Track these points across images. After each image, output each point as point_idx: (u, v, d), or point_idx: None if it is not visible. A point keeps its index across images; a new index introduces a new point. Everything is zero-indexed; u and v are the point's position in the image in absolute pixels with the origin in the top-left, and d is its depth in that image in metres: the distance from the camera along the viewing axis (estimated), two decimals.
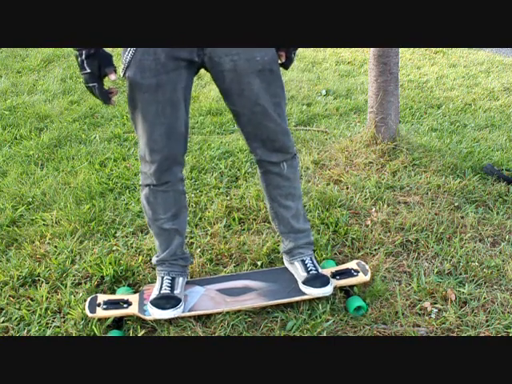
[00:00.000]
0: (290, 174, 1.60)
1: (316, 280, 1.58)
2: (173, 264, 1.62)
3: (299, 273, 1.64)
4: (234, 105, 1.45)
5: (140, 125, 1.41)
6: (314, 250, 1.88)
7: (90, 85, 1.30)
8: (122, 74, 1.39)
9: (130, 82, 1.36)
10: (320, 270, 1.64)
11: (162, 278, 1.61)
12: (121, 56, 1.39)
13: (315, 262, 1.68)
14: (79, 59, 1.28)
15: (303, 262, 1.67)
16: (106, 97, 1.31)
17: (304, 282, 1.60)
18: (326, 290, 1.57)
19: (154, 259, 1.64)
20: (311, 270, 1.63)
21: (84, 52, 1.26)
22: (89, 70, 1.27)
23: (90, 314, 1.51)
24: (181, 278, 1.62)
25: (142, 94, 1.36)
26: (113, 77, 1.30)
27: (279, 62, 1.47)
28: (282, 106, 1.49)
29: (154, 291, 1.59)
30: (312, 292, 1.57)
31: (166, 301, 1.51)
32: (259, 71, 1.39)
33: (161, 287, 1.58)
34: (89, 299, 1.58)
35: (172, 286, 1.58)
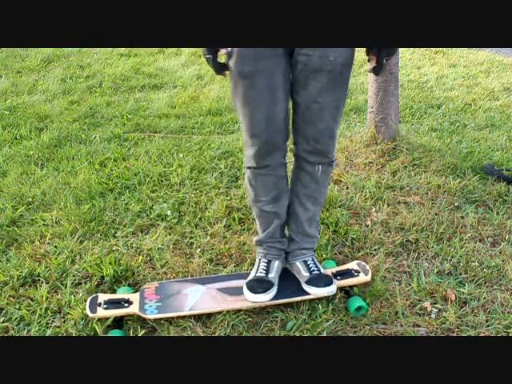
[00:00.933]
0: (321, 179, 1.61)
1: (319, 280, 1.59)
2: (270, 247, 1.67)
3: (301, 273, 1.65)
4: (296, 93, 1.48)
5: (241, 110, 1.49)
6: (315, 251, 1.88)
7: (207, 56, 1.43)
8: (226, 62, 1.47)
9: (231, 69, 1.45)
10: (322, 271, 1.64)
11: (260, 260, 1.68)
12: None
13: (317, 262, 1.68)
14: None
15: (305, 262, 1.67)
16: (218, 68, 1.45)
17: (307, 282, 1.60)
18: (331, 289, 1.57)
19: (254, 239, 1.71)
20: (313, 270, 1.63)
21: None
22: None
23: (90, 315, 1.51)
24: (277, 262, 1.67)
25: (242, 80, 1.43)
26: (223, 50, 1.41)
27: (370, 66, 1.47)
28: (341, 110, 1.50)
29: (251, 273, 1.66)
30: (316, 292, 1.58)
31: (260, 284, 1.57)
32: (329, 71, 1.41)
33: (257, 269, 1.65)
34: (89, 299, 1.58)
35: (267, 269, 1.64)
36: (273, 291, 1.57)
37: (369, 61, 1.48)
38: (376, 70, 1.47)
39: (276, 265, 1.66)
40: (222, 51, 1.42)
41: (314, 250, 1.73)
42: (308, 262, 1.67)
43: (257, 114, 1.46)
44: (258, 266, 1.66)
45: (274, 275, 1.63)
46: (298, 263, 1.68)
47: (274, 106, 1.45)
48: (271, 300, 1.57)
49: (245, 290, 1.59)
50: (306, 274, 1.63)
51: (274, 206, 1.63)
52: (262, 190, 1.61)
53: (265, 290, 1.55)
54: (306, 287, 1.60)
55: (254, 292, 1.55)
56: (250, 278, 1.63)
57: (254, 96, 1.44)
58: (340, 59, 1.41)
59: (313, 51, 1.40)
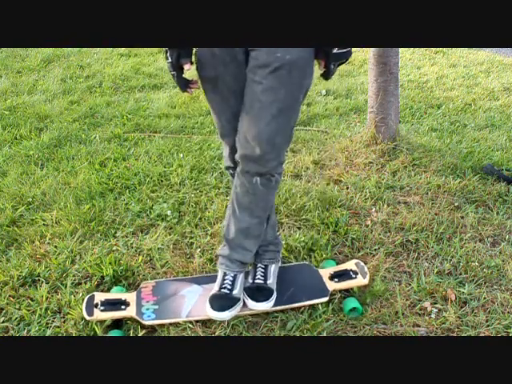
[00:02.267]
0: (259, 192, 1.46)
1: (216, 300, 1.52)
2: (265, 251, 1.67)
3: (215, 286, 1.59)
4: (245, 92, 1.40)
5: (211, 111, 1.51)
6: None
7: (172, 73, 1.41)
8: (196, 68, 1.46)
9: (197, 75, 1.46)
10: (234, 292, 1.55)
11: (256, 265, 1.68)
12: None
13: (237, 282, 1.57)
14: (164, 50, 1.38)
15: (224, 274, 1.59)
16: (182, 85, 1.43)
17: (210, 299, 1.53)
18: (220, 315, 1.49)
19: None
20: (223, 288, 1.55)
21: None
22: (169, 60, 1.38)
23: (87, 317, 1.50)
24: (273, 266, 1.67)
25: (205, 85, 1.46)
26: (187, 66, 1.38)
27: (320, 71, 1.42)
28: (287, 115, 1.37)
29: (248, 278, 1.65)
30: (206, 312, 1.52)
31: (260, 292, 1.57)
32: (275, 68, 1.32)
33: (254, 276, 1.65)
34: (86, 299, 1.57)
35: (265, 276, 1.64)
36: (237, 307, 1.53)
37: (318, 64, 1.41)
38: (325, 75, 1.40)
39: (273, 268, 1.67)
40: (186, 67, 1.37)
41: (242, 264, 1.60)
42: (226, 277, 1.57)
43: (222, 116, 1.47)
44: (223, 280, 1.58)
45: (271, 281, 1.63)
46: (219, 271, 1.61)
47: (239, 108, 1.42)
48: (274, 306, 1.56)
49: (207, 307, 1.52)
50: (216, 288, 1.56)
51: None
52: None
53: (230, 307, 1.50)
54: (206, 304, 1.53)
55: (218, 310, 1.50)
56: (213, 292, 1.56)
57: (218, 100, 1.45)
58: (288, 56, 1.30)
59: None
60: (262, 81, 1.34)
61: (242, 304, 1.56)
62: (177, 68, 1.39)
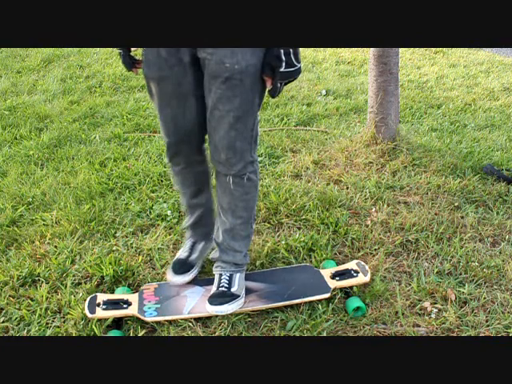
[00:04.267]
0: (234, 191, 1.52)
1: (217, 296, 1.52)
2: (195, 229, 1.76)
3: (213, 287, 1.60)
4: (206, 99, 1.43)
5: (156, 110, 1.57)
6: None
7: (118, 51, 1.45)
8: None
9: (143, 73, 1.47)
10: (233, 290, 1.55)
11: (186, 241, 1.78)
12: None
13: (234, 280, 1.58)
14: None
15: (220, 276, 1.60)
16: (128, 64, 1.47)
17: (209, 297, 1.54)
18: (220, 309, 1.50)
19: (183, 224, 1.82)
20: (222, 286, 1.56)
21: None
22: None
23: (89, 315, 1.51)
24: (202, 243, 1.76)
25: (149, 85, 1.47)
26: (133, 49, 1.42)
27: (267, 86, 1.39)
28: (244, 121, 1.39)
29: (179, 251, 1.76)
30: (206, 308, 1.52)
31: (180, 265, 1.66)
32: (226, 78, 1.33)
33: (183, 249, 1.75)
34: (88, 299, 1.58)
35: (191, 249, 1.74)
36: (193, 272, 1.66)
37: (265, 82, 1.38)
38: (271, 93, 1.37)
39: (200, 247, 1.74)
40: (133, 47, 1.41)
41: (237, 265, 1.62)
42: (222, 277, 1.59)
43: (165, 117, 1.48)
44: (184, 247, 1.74)
45: (196, 255, 1.71)
46: (215, 274, 1.63)
47: (182, 111, 1.45)
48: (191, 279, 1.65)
49: (168, 269, 1.66)
50: (214, 289, 1.58)
51: (197, 199, 1.70)
52: (181, 184, 1.68)
53: (185, 271, 1.64)
54: (206, 303, 1.54)
55: (175, 273, 1.64)
56: (176, 257, 1.71)
57: (162, 101, 1.46)
58: (237, 66, 1.31)
59: (210, 56, 1.33)
60: (217, 90, 1.36)
61: (242, 300, 1.57)
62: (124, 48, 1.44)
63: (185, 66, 1.40)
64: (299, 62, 1.33)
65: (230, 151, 1.44)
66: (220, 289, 1.56)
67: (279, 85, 1.35)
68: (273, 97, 1.38)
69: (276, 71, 1.32)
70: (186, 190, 1.69)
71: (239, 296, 1.56)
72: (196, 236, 1.76)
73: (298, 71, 1.34)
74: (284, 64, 1.30)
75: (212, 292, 1.57)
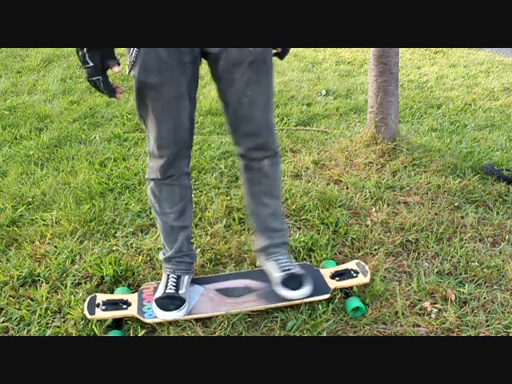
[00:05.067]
0: (270, 172, 1.57)
1: (291, 281, 1.55)
2: (179, 262, 1.62)
3: (273, 274, 1.61)
4: (223, 93, 1.45)
5: (148, 121, 1.42)
6: (314, 250, 1.88)
7: (94, 78, 1.28)
8: (127, 72, 1.39)
9: (135, 80, 1.37)
10: (295, 270, 1.60)
11: (168, 275, 1.62)
12: (125, 54, 1.39)
13: (290, 261, 1.65)
14: (80, 53, 1.26)
15: (277, 261, 1.63)
16: (111, 90, 1.31)
17: (279, 284, 1.56)
18: (302, 293, 1.53)
19: (162, 256, 1.65)
20: (285, 269, 1.59)
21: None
22: (91, 64, 1.26)
23: (89, 316, 1.51)
24: (186, 277, 1.62)
25: (147, 91, 1.36)
26: (116, 69, 1.28)
27: (274, 51, 1.44)
28: (271, 99, 1.47)
29: (159, 288, 1.60)
30: (287, 294, 1.54)
31: (171, 301, 1.52)
32: (251, 62, 1.37)
33: (166, 286, 1.59)
34: (88, 299, 1.58)
35: (177, 285, 1.58)
36: (184, 308, 1.53)
37: (274, 53, 1.45)
38: (281, 55, 1.46)
39: (186, 280, 1.61)
40: (116, 69, 1.27)
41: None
42: (280, 261, 1.62)
43: (164, 125, 1.40)
44: (167, 283, 1.59)
45: (184, 290, 1.58)
46: (269, 263, 1.64)
47: (179, 116, 1.41)
48: (185, 316, 1.52)
49: (154, 307, 1.52)
50: (278, 274, 1.58)
51: (181, 220, 1.58)
52: (167, 202, 1.55)
53: (177, 307, 1.51)
54: (278, 290, 1.56)
55: (166, 310, 1.50)
56: (158, 294, 1.57)
57: (161, 107, 1.38)
58: (259, 48, 1.37)
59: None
60: (243, 77, 1.39)
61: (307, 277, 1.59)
62: (102, 71, 1.27)
63: (184, 66, 1.37)
64: None
65: (268, 131, 1.49)
66: (286, 272, 1.58)
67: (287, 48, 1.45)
68: (282, 58, 1.47)
69: None
70: (171, 210, 1.56)
71: (304, 275, 1.59)
72: (180, 270, 1.61)
73: None
74: None
75: (279, 277, 1.57)
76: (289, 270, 1.59)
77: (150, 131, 1.44)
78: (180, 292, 1.57)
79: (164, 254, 1.64)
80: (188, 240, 1.63)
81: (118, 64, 1.29)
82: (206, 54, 1.41)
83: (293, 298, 1.55)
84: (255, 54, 1.37)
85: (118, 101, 1.41)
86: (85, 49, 1.25)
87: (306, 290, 1.55)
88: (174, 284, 1.58)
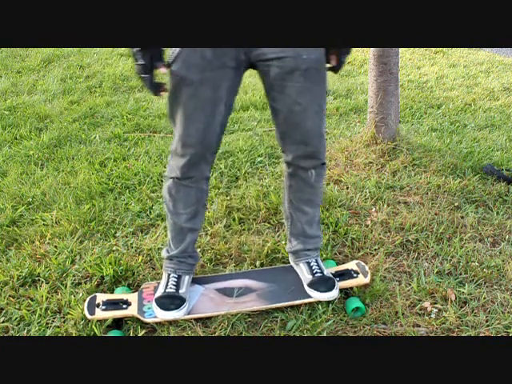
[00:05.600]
0: (315, 183, 1.59)
1: (321, 283, 1.58)
2: (181, 262, 1.62)
3: (304, 275, 1.65)
4: (274, 101, 1.45)
5: (178, 118, 1.42)
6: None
7: (143, 76, 1.33)
8: (167, 66, 1.39)
9: (174, 76, 1.38)
10: (325, 272, 1.63)
11: (169, 275, 1.62)
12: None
13: (320, 263, 1.68)
14: (133, 50, 1.31)
15: (308, 263, 1.67)
16: (155, 89, 1.35)
17: (309, 285, 1.60)
18: (331, 295, 1.57)
19: (165, 253, 1.64)
20: (316, 272, 1.63)
21: None
22: (142, 62, 1.31)
23: (88, 316, 1.51)
24: (187, 277, 1.62)
25: (184, 88, 1.37)
26: (163, 70, 1.33)
27: (329, 65, 1.44)
28: (324, 108, 1.47)
29: (159, 288, 1.60)
30: (317, 296, 1.57)
31: (171, 301, 1.52)
32: (305, 70, 1.37)
33: (166, 285, 1.59)
34: (88, 299, 1.58)
35: (178, 285, 1.58)
36: (184, 307, 1.52)
37: (329, 60, 1.44)
38: (336, 69, 1.45)
39: (186, 280, 1.61)
40: (163, 70, 1.33)
41: (318, 250, 1.72)
42: (311, 264, 1.66)
43: (194, 124, 1.40)
44: (168, 282, 1.59)
45: (184, 290, 1.58)
46: (301, 264, 1.68)
47: (212, 119, 1.41)
48: (186, 315, 1.52)
49: (155, 307, 1.52)
50: (309, 276, 1.62)
51: (192, 222, 1.58)
52: (182, 203, 1.55)
53: (177, 307, 1.50)
54: (307, 289, 1.60)
55: (166, 309, 1.50)
56: (158, 294, 1.56)
57: (195, 106, 1.38)
58: (313, 56, 1.37)
59: (284, 53, 1.35)
60: (295, 84, 1.39)
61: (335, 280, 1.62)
62: (150, 71, 1.33)
63: (226, 70, 1.36)
64: None
65: (319, 140, 1.49)
66: (317, 275, 1.61)
67: (344, 59, 1.44)
68: (336, 72, 1.45)
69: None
70: (184, 211, 1.56)
71: (332, 277, 1.62)
72: (181, 270, 1.61)
73: None
74: None
75: (310, 280, 1.61)
76: (319, 273, 1.63)
77: (178, 129, 1.44)
78: (180, 292, 1.57)
79: (168, 252, 1.63)
80: (194, 242, 1.63)
81: (165, 66, 1.33)
82: (256, 62, 1.40)
83: (322, 299, 1.58)
84: (309, 63, 1.37)
85: (160, 98, 1.46)
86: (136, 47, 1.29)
87: (333, 292, 1.57)
88: (175, 283, 1.58)
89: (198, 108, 1.38)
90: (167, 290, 1.56)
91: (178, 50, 1.35)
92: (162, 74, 1.37)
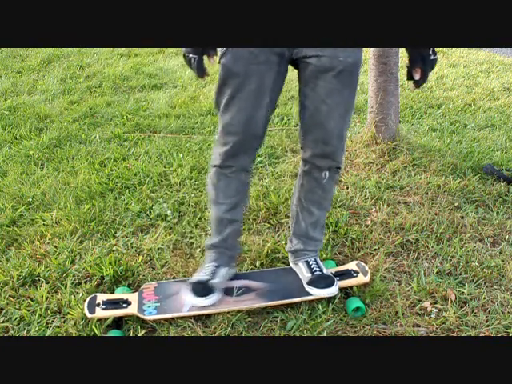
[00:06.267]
0: (327, 185, 1.60)
1: (320, 280, 1.59)
2: (221, 253, 1.66)
3: (303, 273, 1.65)
4: (304, 96, 1.48)
5: (223, 108, 1.47)
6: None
7: (191, 56, 1.39)
8: (218, 61, 1.45)
9: (223, 67, 1.43)
10: (325, 271, 1.64)
11: (208, 263, 1.66)
12: None
13: (319, 262, 1.69)
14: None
15: (307, 262, 1.67)
16: (201, 70, 1.41)
17: (308, 283, 1.60)
18: (331, 291, 1.57)
19: (207, 242, 1.69)
20: (315, 270, 1.64)
21: None
22: None
23: (89, 315, 1.51)
24: (225, 269, 1.66)
25: (231, 79, 1.42)
26: (212, 60, 1.39)
27: (415, 78, 1.43)
28: (350, 112, 1.49)
29: (197, 272, 1.65)
30: (316, 292, 1.58)
31: (202, 288, 1.56)
32: (339, 71, 1.40)
33: (203, 272, 1.63)
34: (88, 299, 1.58)
35: (214, 274, 1.61)
36: (213, 297, 1.56)
37: (409, 77, 1.42)
38: (420, 83, 1.42)
39: (223, 272, 1.64)
40: (212, 61, 1.39)
41: (317, 250, 1.73)
42: (310, 263, 1.67)
43: (238, 114, 1.45)
44: (205, 269, 1.63)
45: (218, 281, 1.60)
46: (300, 263, 1.69)
47: (256, 111, 1.45)
48: (212, 305, 1.56)
49: (185, 289, 1.58)
50: (308, 275, 1.63)
51: (231, 213, 1.61)
52: (222, 192, 1.59)
53: (206, 295, 1.54)
54: (307, 287, 1.61)
55: (196, 295, 1.54)
56: (194, 278, 1.61)
57: (240, 96, 1.43)
58: (350, 59, 1.40)
59: (322, 52, 1.39)
60: (327, 85, 1.42)
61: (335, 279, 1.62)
62: (201, 53, 1.39)
63: (271, 65, 1.41)
64: (436, 53, 1.43)
65: (339, 142, 1.50)
66: (316, 273, 1.62)
67: (429, 73, 1.43)
68: (419, 86, 1.43)
69: (426, 60, 1.39)
70: (224, 201, 1.60)
71: (332, 276, 1.62)
72: (220, 260, 1.65)
73: (437, 59, 1.44)
74: (431, 53, 1.39)
75: (309, 278, 1.62)
76: (318, 271, 1.63)
77: (223, 118, 1.49)
78: (214, 281, 1.60)
79: (209, 241, 1.68)
80: (235, 234, 1.66)
81: (214, 57, 1.39)
82: (297, 59, 1.44)
83: (321, 295, 1.58)
84: (345, 64, 1.39)
85: (203, 80, 1.49)
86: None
87: (333, 289, 1.58)
88: (211, 272, 1.62)
89: (243, 99, 1.43)
90: (202, 277, 1.60)
91: None
92: (209, 63, 1.43)
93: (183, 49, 1.40)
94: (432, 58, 1.40)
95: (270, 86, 1.44)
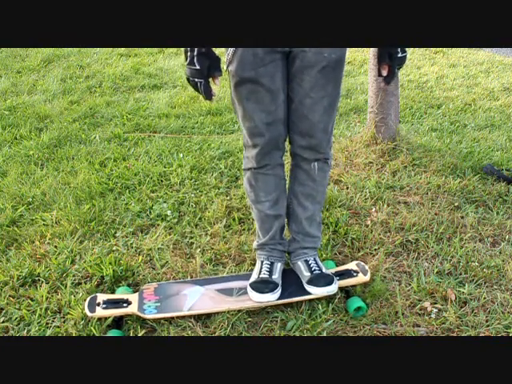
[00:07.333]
0: (317, 177, 1.63)
1: (319, 279, 1.59)
2: (272, 249, 1.69)
3: (303, 273, 1.66)
4: (291, 91, 1.51)
5: (242, 113, 1.52)
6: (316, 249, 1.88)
7: (196, 80, 1.39)
8: (225, 69, 1.49)
9: (232, 75, 1.47)
10: (324, 270, 1.64)
11: (262, 262, 1.69)
12: (223, 52, 1.48)
13: (319, 261, 1.69)
14: (189, 54, 1.37)
15: (306, 262, 1.68)
16: (209, 93, 1.41)
17: (308, 282, 1.61)
18: (330, 289, 1.58)
19: (255, 243, 1.73)
20: (315, 269, 1.64)
21: (196, 49, 1.35)
22: (198, 67, 1.37)
23: (89, 314, 1.52)
24: (279, 264, 1.68)
25: (243, 85, 1.46)
26: (217, 82, 1.41)
27: (382, 74, 1.47)
28: (334, 107, 1.53)
29: (253, 274, 1.67)
30: (316, 291, 1.58)
31: (265, 285, 1.58)
32: (323, 67, 1.44)
33: (260, 271, 1.65)
34: (88, 299, 1.58)
35: (271, 271, 1.65)
36: (278, 291, 1.59)
37: (379, 74, 1.48)
38: (388, 80, 1.48)
39: (278, 267, 1.68)
40: (217, 82, 1.40)
41: (315, 249, 1.73)
42: (309, 262, 1.67)
43: (259, 115, 1.49)
44: (261, 268, 1.66)
45: (277, 276, 1.64)
46: (299, 263, 1.69)
47: (274, 108, 1.49)
48: (277, 299, 1.58)
49: (250, 291, 1.59)
50: (307, 274, 1.64)
51: (275, 209, 1.66)
52: (262, 191, 1.64)
53: (271, 290, 1.56)
54: (306, 287, 1.61)
55: (261, 292, 1.56)
56: (252, 279, 1.64)
57: (256, 99, 1.47)
58: (334, 55, 1.44)
59: (309, 48, 1.43)
60: (311, 79, 1.46)
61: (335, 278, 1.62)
62: (206, 77, 1.40)
63: (277, 63, 1.45)
64: (405, 51, 1.46)
65: (324, 135, 1.55)
66: (315, 272, 1.63)
67: (396, 70, 1.47)
68: (389, 83, 1.48)
69: (394, 57, 1.43)
70: (266, 198, 1.64)
71: (331, 274, 1.62)
72: (274, 257, 1.68)
73: (406, 57, 1.48)
74: (399, 50, 1.44)
75: (308, 277, 1.62)
76: (317, 270, 1.64)
77: (244, 123, 1.53)
78: (273, 277, 1.63)
79: (257, 242, 1.72)
80: (281, 229, 1.70)
81: (220, 76, 1.40)
82: (289, 55, 1.48)
83: (321, 294, 1.59)
84: (329, 60, 1.44)
85: (211, 102, 1.52)
86: (195, 51, 1.35)
87: (333, 287, 1.58)
88: (268, 269, 1.65)
89: (260, 101, 1.47)
90: (261, 276, 1.63)
91: (232, 52, 1.43)
92: (214, 82, 1.43)
93: (187, 73, 1.40)
94: (400, 55, 1.44)
95: (281, 82, 1.48)
